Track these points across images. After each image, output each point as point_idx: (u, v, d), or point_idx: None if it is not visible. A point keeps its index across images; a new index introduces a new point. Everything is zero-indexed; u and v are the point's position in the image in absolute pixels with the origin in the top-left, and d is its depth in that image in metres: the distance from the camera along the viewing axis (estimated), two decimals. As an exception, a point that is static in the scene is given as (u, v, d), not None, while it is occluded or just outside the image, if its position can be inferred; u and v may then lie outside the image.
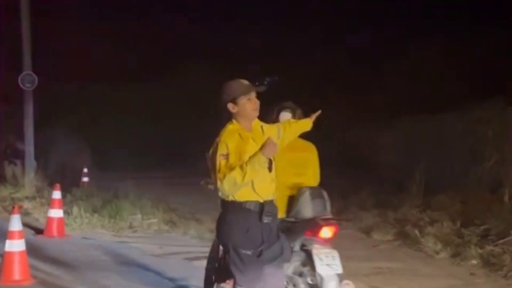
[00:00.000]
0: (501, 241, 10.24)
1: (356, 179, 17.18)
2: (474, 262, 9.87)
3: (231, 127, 4.75)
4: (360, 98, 21.48)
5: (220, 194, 4.73)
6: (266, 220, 4.64)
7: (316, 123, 5.54)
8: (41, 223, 11.90)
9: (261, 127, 4.95)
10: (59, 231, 11.03)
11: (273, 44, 28.03)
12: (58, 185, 11.46)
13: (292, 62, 28.84)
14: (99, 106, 29.63)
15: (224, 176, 4.50)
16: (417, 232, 11.55)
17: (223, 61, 29.76)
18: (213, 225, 13.27)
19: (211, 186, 5.37)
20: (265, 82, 4.88)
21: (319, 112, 5.41)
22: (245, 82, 4.82)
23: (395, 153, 16.59)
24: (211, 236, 11.95)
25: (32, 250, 8.90)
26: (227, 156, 4.57)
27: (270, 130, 5.02)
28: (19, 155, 18.10)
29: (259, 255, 4.63)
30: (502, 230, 10.69)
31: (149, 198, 15.04)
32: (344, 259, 10.17)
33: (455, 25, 20.55)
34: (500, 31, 18.55)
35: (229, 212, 4.72)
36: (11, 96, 19.05)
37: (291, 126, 5.29)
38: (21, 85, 16.29)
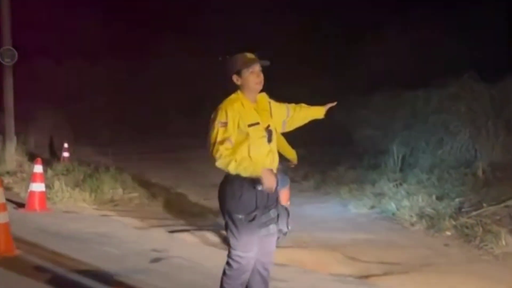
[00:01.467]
0: (475, 213, 10.52)
1: (334, 155, 17.40)
2: (448, 233, 10.14)
3: (234, 96, 4.86)
4: (336, 75, 21.62)
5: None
6: (259, 187, 4.73)
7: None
8: (22, 198, 11.97)
9: (269, 102, 5.05)
10: (41, 205, 11.10)
11: (250, 22, 28.01)
12: (39, 159, 11.52)
13: (267, 41, 28.91)
14: (78, 81, 29.52)
15: (220, 156, 4.64)
16: (393, 205, 11.81)
17: (201, 38, 29.83)
18: (193, 199, 13.43)
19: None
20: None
21: (335, 103, 5.37)
22: (250, 55, 4.92)
23: (372, 128, 16.79)
24: (191, 210, 12.18)
25: (14, 224, 8.98)
26: (225, 124, 4.69)
27: (279, 108, 5.11)
28: (1, 130, 18.06)
29: (252, 219, 4.74)
30: (475, 203, 10.98)
31: (129, 173, 15.16)
32: (322, 230, 10.47)
33: (429, 2, 20.69)
34: (474, 8, 18.76)
35: (225, 178, 4.86)
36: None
37: (302, 110, 5.29)
38: (0, 60, 16.24)
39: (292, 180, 15.66)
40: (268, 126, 4.91)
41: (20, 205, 11.39)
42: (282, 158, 10.56)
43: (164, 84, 31.25)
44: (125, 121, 30.41)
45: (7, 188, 13.32)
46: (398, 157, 14.76)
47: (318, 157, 17.53)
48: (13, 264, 7.19)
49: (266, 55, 5.04)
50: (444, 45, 18.94)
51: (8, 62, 16.29)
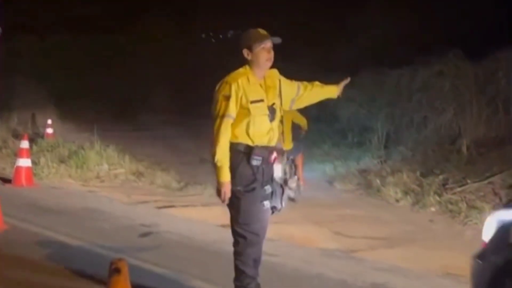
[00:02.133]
0: (459, 189, 10.67)
1: (318, 132, 17.46)
2: (432, 209, 10.29)
3: (242, 70, 4.87)
4: (322, 53, 21.63)
5: None
6: (254, 162, 4.76)
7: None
8: (8, 173, 11.94)
9: (279, 80, 5.04)
10: (28, 180, 11.09)
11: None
12: (26, 135, 11.52)
13: (253, 17, 28.79)
14: (61, 57, 29.32)
15: (217, 131, 4.68)
16: (378, 181, 11.93)
17: (187, 14, 29.72)
18: (179, 176, 13.49)
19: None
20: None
21: (348, 79, 5.26)
22: (263, 31, 4.93)
23: (357, 106, 16.87)
24: (177, 186, 12.22)
25: (2, 199, 9.00)
26: (228, 98, 4.73)
27: (289, 85, 5.09)
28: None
29: (250, 190, 4.78)
30: (459, 179, 11.13)
31: (115, 149, 15.14)
32: (309, 207, 10.58)
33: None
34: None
35: None
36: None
37: (313, 89, 5.16)
38: (-16, 36, 16.13)
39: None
40: (273, 104, 4.90)
41: (6, 180, 11.34)
42: (294, 125, 10.74)
43: (149, 61, 31.15)
44: (110, 98, 30.31)
45: (-9, 164, 13.34)
46: (382, 134, 14.89)
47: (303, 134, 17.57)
48: (2, 240, 7.19)
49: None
50: (429, 22, 18.96)
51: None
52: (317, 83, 5.18)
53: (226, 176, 4.70)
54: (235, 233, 4.88)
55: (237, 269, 4.87)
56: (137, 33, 31.42)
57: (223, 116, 4.71)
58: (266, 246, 5.04)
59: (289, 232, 8.39)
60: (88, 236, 7.58)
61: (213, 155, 4.69)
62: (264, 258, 4.99)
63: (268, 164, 4.88)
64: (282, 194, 5.03)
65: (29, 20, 28.59)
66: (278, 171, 7.48)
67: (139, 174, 13.09)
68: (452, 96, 14.01)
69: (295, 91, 5.11)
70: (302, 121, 10.85)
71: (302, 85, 5.14)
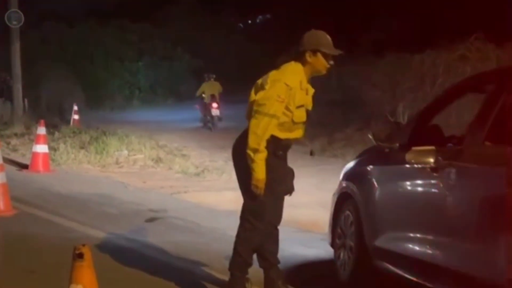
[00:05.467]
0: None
1: (342, 116, 17.35)
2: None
3: (298, 74, 4.75)
4: (346, 37, 21.44)
5: None
6: (279, 153, 4.77)
7: None
8: (27, 159, 12.06)
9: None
10: (44, 166, 11.18)
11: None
12: (43, 121, 11.58)
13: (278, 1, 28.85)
14: (89, 44, 29.55)
15: (264, 136, 4.61)
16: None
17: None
18: (198, 161, 13.53)
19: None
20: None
21: None
22: (330, 39, 4.82)
23: (381, 90, 16.71)
24: (195, 171, 12.23)
25: (16, 184, 9.10)
26: (283, 101, 4.64)
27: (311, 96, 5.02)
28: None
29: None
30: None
31: (137, 136, 15.23)
32: (323, 191, 10.44)
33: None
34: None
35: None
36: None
37: None
38: (7, 23, 16.28)
39: (298, 143, 15.74)
40: (308, 106, 4.87)
41: (25, 166, 11.47)
42: None
43: (178, 49, 31.30)
44: (139, 84, 30.54)
45: (13, 150, 13.53)
46: (404, 118, 14.70)
47: (326, 119, 17.45)
48: (9, 225, 7.26)
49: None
50: (452, 5, 18.69)
51: (15, 24, 16.31)
52: None
53: (263, 173, 4.64)
54: (247, 219, 4.84)
55: (238, 256, 4.87)
56: (161, 20, 31.63)
57: (272, 116, 4.63)
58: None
59: (296, 216, 8.26)
60: (93, 221, 7.62)
61: (254, 151, 4.62)
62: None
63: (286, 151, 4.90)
64: (293, 177, 5.01)
65: (59, 7, 28.83)
66: None
67: (158, 160, 13.12)
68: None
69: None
70: None
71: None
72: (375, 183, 5.17)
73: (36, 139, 11.35)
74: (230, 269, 4.92)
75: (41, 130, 11.40)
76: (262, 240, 4.91)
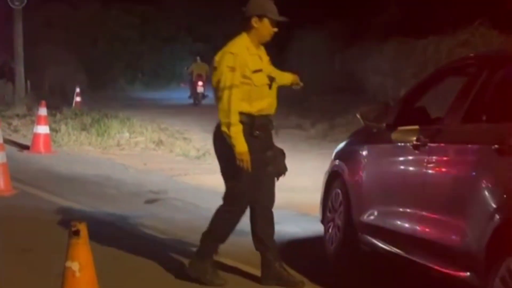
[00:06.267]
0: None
1: (344, 102, 17.30)
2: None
3: (241, 41, 4.84)
4: (349, 22, 21.38)
5: None
6: (256, 134, 4.77)
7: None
8: (28, 140, 12.06)
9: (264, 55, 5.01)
10: (45, 147, 11.19)
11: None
12: (43, 102, 11.59)
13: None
14: (93, 27, 29.48)
15: (232, 108, 4.63)
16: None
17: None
18: (199, 144, 13.52)
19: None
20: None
21: (300, 85, 5.26)
22: (274, 5, 4.88)
23: (383, 75, 16.66)
24: (196, 154, 12.22)
25: (16, 165, 9.13)
26: (233, 69, 4.70)
27: (269, 63, 5.04)
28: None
29: (254, 158, 4.74)
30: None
31: (139, 118, 15.22)
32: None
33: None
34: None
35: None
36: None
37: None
38: (10, 4, 16.23)
39: (300, 127, 15.72)
40: (270, 72, 4.91)
41: (26, 147, 11.49)
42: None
43: (181, 32, 31.22)
44: (142, 67, 30.50)
45: (15, 130, 13.54)
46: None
47: (328, 104, 17.43)
48: (9, 204, 7.28)
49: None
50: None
51: (17, 5, 16.27)
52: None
53: (244, 146, 4.66)
54: (225, 203, 4.90)
55: (212, 231, 4.93)
56: (165, 4, 31.51)
57: (231, 87, 4.68)
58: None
59: (298, 200, 8.27)
60: (92, 202, 7.64)
61: (227, 126, 4.64)
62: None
63: (267, 131, 4.92)
64: (284, 158, 5.04)
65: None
66: None
67: (159, 143, 13.11)
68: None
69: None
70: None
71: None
72: (362, 161, 5.41)
73: (37, 120, 11.36)
74: (201, 240, 4.98)
75: (42, 111, 11.40)
76: (260, 224, 4.95)
